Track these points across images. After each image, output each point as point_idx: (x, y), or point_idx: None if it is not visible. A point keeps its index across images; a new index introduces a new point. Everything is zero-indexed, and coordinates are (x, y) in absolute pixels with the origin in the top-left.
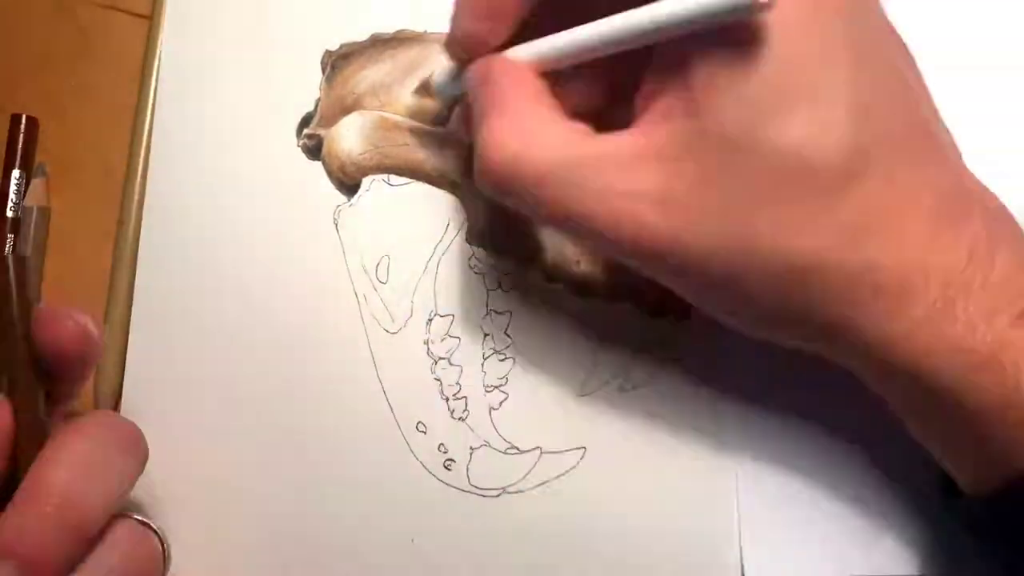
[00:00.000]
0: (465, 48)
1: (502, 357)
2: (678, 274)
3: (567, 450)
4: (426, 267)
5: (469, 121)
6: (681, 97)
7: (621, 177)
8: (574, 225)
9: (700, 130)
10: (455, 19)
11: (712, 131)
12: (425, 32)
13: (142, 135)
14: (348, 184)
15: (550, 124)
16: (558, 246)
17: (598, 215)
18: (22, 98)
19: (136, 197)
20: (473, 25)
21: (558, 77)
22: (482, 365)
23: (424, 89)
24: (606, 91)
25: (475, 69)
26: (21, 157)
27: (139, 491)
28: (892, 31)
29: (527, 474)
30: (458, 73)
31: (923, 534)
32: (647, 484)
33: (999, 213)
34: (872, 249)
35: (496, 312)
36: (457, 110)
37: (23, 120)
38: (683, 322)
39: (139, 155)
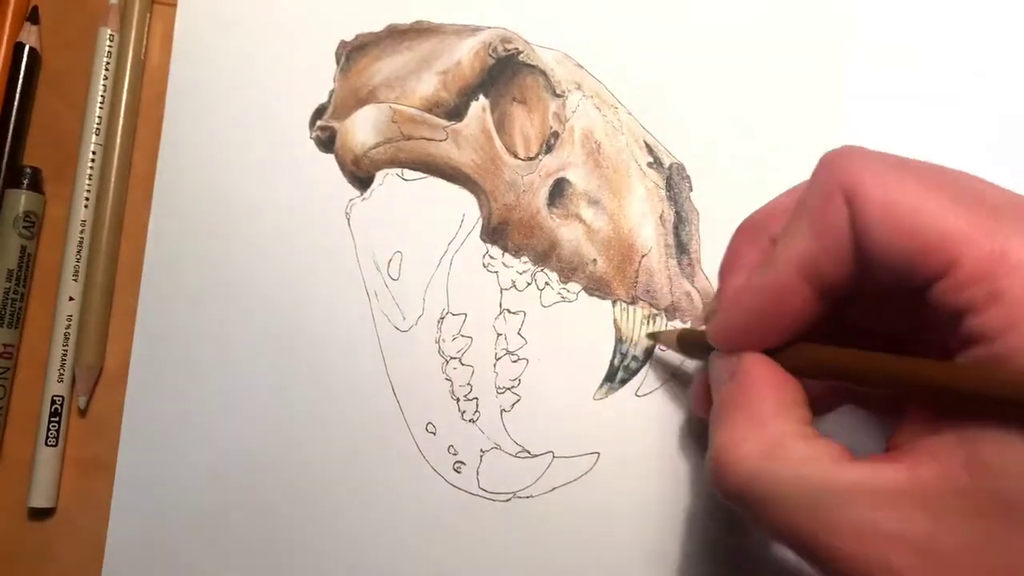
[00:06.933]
0: (726, 344)
1: (515, 358)
2: None
3: (580, 455)
4: (439, 264)
5: (702, 401)
6: (963, 445)
7: (883, 515)
8: (809, 554)
9: (983, 490)
10: (725, 312)
11: (1000, 495)
12: (443, 23)
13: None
14: (361, 178)
15: (799, 440)
16: (574, 244)
17: (843, 551)
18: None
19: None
20: (746, 335)
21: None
22: (494, 366)
23: (653, 336)
24: (849, 397)
25: (727, 360)
26: None
27: (143, 485)
28: None
29: (538, 479)
30: (699, 350)
31: None
32: (663, 490)
33: None
34: None
35: (510, 312)
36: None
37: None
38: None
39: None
